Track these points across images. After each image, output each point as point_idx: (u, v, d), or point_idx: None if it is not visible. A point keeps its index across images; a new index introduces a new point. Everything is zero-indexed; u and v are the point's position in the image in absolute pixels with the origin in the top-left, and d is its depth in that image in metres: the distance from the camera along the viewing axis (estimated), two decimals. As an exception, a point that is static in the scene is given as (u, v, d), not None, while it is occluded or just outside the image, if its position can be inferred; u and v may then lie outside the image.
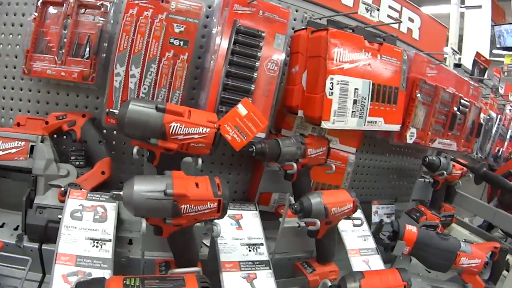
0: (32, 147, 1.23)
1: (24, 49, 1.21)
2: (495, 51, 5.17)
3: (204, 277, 0.80)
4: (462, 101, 1.82)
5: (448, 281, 1.76)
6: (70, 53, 1.23)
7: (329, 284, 1.01)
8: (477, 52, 2.35)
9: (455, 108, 1.77)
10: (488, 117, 2.35)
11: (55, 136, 1.32)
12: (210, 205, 0.92)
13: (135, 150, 1.09)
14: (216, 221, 0.96)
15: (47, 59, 1.23)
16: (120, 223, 1.27)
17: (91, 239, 1.06)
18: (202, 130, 1.08)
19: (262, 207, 1.43)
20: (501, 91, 2.64)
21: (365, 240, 1.43)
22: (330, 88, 1.20)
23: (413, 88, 1.57)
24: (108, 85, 1.22)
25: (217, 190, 0.93)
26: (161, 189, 0.88)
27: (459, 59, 2.36)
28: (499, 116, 2.61)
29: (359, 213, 1.33)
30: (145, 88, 1.24)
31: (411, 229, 1.49)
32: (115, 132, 1.36)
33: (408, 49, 1.64)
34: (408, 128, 1.57)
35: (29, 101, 1.32)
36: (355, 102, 1.26)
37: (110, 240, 1.07)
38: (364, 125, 1.30)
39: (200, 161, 1.12)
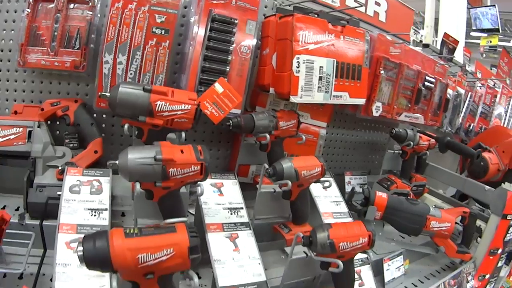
0: (30, 132, 1.38)
1: (18, 43, 1.35)
2: (473, 34, 5.44)
3: (192, 226, 0.95)
4: (427, 77, 2.04)
5: (422, 246, 1.95)
6: (62, 44, 1.39)
7: (301, 235, 1.20)
8: (445, 33, 2.57)
9: (420, 84, 1.99)
10: (456, 94, 2.57)
11: (49, 122, 1.47)
12: (193, 168, 1.09)
13: (126, 126, 1.24)
14: (199, 182, 1.14)
15: (41, 51, 1.38)
16: (112, 198, 1.45)
17: (89, 209, 1.20)
18: (184, 107, 1.24)
19: (241, 178, 1.60)
20: (472, 69, 2.88)
21: (337, 205, 1.62)
22: (296, 67, 1.39)
23: (377, 65, 1.77)
24: (98, 72, 1.38)
25: (200, 155, 1.10)
26: (152, 155, 1.03)
27: (422, 38, 2.58)
28: (469, 93, 2.84)
29: (328, 178, 1.49)
30: (131, 74, 1.41)
31: (381, 195, 1.65)
32: (104, 115, 1.53)
33: (375, 31, 1.84)
34: (373, 102, 1.78)
35: (24, 91, 1.47)
36: (320, 78, 1.46)
37: (106, 209, 1.22)
38: (330, 99, 1.50)
39: (183, 134, 1.30)
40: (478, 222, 2.05)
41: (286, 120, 1.49)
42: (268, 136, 1.40)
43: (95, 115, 1.50)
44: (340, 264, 1.13)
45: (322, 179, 1.39)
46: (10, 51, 1.43)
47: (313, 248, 1.16)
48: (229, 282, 1.16)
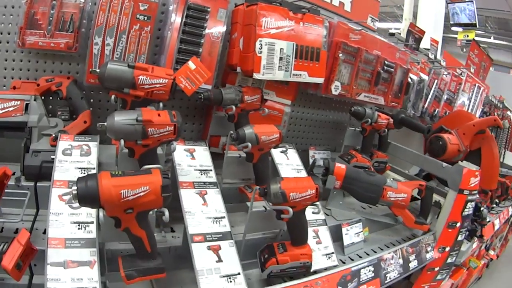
0: (26, 105, 1.59)
1: (18, 26, 1.58)
2: (454, 28, 5.75)
3: (166, 171, 1.17)
4: (386, 62, 2.32)
5: (382, 216, 2.19)
6: (57, 28, 1.60)
7: (258, 187, 1.42)
8: (411, 23, 2.88)
9: (380, 68, 2.27)
10: (419, 79, 2.86)
11: (43, 97, 1.68)
12: (168, 129, 1.34)
13: (112, 97, 1.46)
14: (173, 142, 1.41)
15: (38, 34, 1.59)
16: (99, 165, 1.70)
17: (79, 168, 1.41)
18: (162, 81, 1.49)
19: (213, 149, 1.87)
20: (439, 57, 3.18)
21: (298, 172, 1.87)
22: (259, 48, 1.67)
23: (336, 49, 2.05)
24: (88, 52, 1.63)
25: (173, 118, 1.36)
26: (134, 117, 1.27)
27: (401, 30, 2.87)
28: (435, 80, 3.14)
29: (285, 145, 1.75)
30: (117, 54, 1.67)
31: (340, 165, 1.87)
32: (92, 91, 1.78)
33: (337, 19, 2.12)
34: (332, 82, 2.07)
35: (21, 70, 1.69)
36: (281, 59, 1.74)
37: (94, 168, 1.44)
38: (290, 77, 1.79)
39: (161, 105, 1.55)
40: (438, 198, 2.30)
41: (251, 95, 1.76)
42: (234, 107, 1.68)
43: (84, 92, 1.74)
44: (290, 210, 1.35)
45: (280, 145, 1.65)
46: (9, 33, 1.63)
47: (267, 199, 1.38)
48: (198, 231, 1.39)
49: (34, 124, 1.60)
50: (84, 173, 1.44)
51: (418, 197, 2.15)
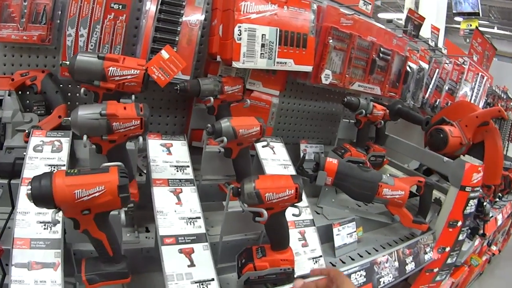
0: (0, 100, 1.49)
1: None
2: (457, 18, 5.42)
3: (124, 169, 1.01)
4: (382, 49, 2.10)
5: (377, 214, 1.96)
6: (30, 20, 1.47)
7: (231, 186, 1.22)
8: (409, 9, 2.63)
9: (375, 55, 2.05)
10: (419, 68, 2.62)
11: (20, 92, 1.57)
12: (134, 123, 1.18)
13: (82, 90, 1.33)
14: (140, 137, 1.24)
15: (11, 27, 1.47)
16: (76, 161, 1.56)
17: (49, 165, 1.29)
18: (134, 71, 1.34)
19: (195, 143, 1.70)
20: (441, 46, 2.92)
21: (285, 168, 1.66)
22: (238, 34, 1.48)
23: (326, 35, 1.83)
24: (62, 44, 1.49)
25: (140, 111, 1.19)
26: (98, 111, 1.13)
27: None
28: (436, 69, 2.89)
29: (267, 138, 1.50)
30: (92, 45, 1.52)
31: (332, 160, 1.63)
32: (70, 85, 1.63)
33: (325, 3, 1.88)
34: (322, 70, 1.84)
35: None
36: (263, 45, 1.54)
37: (64, 165, 1.31)
38: (274, 65, 1.59)
39: (133, 97, 1.39)
40: (438, 195, 2.06)
41: (231, 85, 1.56)
42: (212, 99, 1.49)
43: (61, 85, 1.60)
44: (265, 213, 1.15)
45: (261, 139, 1.45)
46: None
47: (241, 199, 1.19)
48: (170, 232, 1.22)
49: (8, 120, 1.50)
50: (54, 170, 1.29)
51: (417, 193, 1.91)
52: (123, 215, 1.02)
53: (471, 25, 4.95)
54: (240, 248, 1.37)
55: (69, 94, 1.64)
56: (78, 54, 1.30)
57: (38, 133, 1.41)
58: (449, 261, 2.05)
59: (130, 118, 1.19)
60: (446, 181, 2.33)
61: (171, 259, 1.18)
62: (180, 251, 1.21)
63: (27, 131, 1.47)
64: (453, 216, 1.91)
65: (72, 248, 1.19)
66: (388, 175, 1.80)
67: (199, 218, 1.32)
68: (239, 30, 1.48)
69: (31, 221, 1.13)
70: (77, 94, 1.65)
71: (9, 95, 1.52)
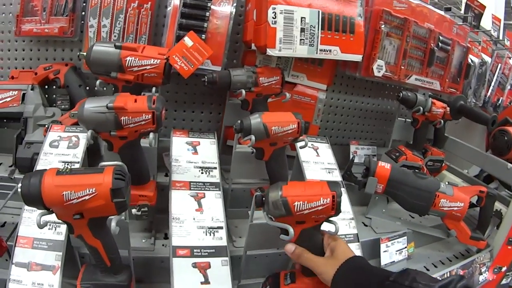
0: (23, 94, 1.36)
1: (14, 15, 1.36)
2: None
3: (122, 169, 0.82)
4: (441, 38, 1.71)
5: (432, 228, 1.63)
6: (52, 13, 1.37)
7: (256, 194, 0.94)
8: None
9: (433, 45, 1.68)
10: (481, 61, 2.17)
11: (46, 87, 1.45)
12: (145, 117, 0.96)
13: (98, 82, 1.16)
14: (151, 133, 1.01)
15: (34, 20, 1.37)
16: (100, 158, 1.37)
17: (63, 161, 1.15)
18: (154, 61, 1.13)
19: (230, 142, 1.44)
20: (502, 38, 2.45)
21: (329, 172, 1.37)
22: (273, 17, 1.19)
23: (377, 19, 1.49)
24: (84, 36, 1.33)
25: (152, 104, 0.97)
26: (105, 104, 0.94)
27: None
28: (499, 65, 2.41)
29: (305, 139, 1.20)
30: (115, 36, 1.34)
31: (384, 165, 1.36)
32: (95, 79, 1.45)
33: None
34: (374, 60, 1.50)
35: (23, 59, 1.45)
36: (302, 30, 1.24)
37: (78, 162, 1.15)
38: (317, 53, 1.27)
39: (153, 90, 1.18)
40: (499, 206, 1.68)
41: (268, 76, 1.28)
42: (244, 91, 1.21)
43: (88, 78, 1.45)
44: (290, 230, 0.89)
45: (299, 138, 1.16)
46: (10, 22, 1.41)
47: (266, 209, 0.92)
48: (185, 242, 1.02)
49: (29, 114, 1.36)
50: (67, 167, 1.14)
51: (477, 205, 1.54)
52: (113, 223, 0.82)
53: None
54: (270, 264, 1.13)
55: (95, 88, 1.46)
56: (95, 44, 1.14)
57: (57, 128, 1.27)
58: (503, 282, 1.64)
59: (140, 112, 0.98)
60: (507, 190, 1.99)
61: (183, 274, 0.97)
62: (194, 265, 1.00)
63: (46, 125, 1.31)
64: (515, 232, 1.51)
65: (80, 251, 1.06)
66: (447, 183, 1.48)
67: (221, 228, 1.07)
68: (273, 12, 1.19)
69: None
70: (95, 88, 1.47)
71: (32, 89, 1.39)
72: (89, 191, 0.76)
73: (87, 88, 1.45)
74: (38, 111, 1.37)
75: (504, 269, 1.58)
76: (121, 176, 0.79)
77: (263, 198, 0.91)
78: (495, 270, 1.57)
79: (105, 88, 1.18)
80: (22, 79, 1.41)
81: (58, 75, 1.40)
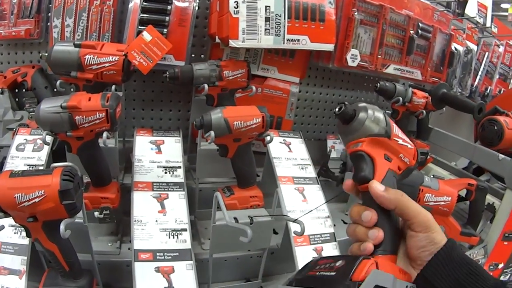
0: None
1: None
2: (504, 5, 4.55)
3: (71, 170, 0.75)
4: (421, 25, 1.59)
5: None
6: (19, 16, 1.32)
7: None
8: (453, -15, 2.06)
9: (412, 32, 1.56)
10: (466, 49, 2.03)
11: (16, 90, 1.39)
12: (99, 115, 0.89)
13: (58, 83, 1.11)
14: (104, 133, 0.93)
15: (3, 24, 1.33)
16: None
17: (29, 165, 1.10)
18: (112, 58, 1.07)
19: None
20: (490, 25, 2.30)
21: (302, 168, 1.26)
22: (234, 7, 1.09)
23: (350, 6, 1.38)
24: (49, 37, 1.27)
25: (105, 102, 0.90)
26: (59, 104, 0.88)
27: None
28: (486, 53, 2.27)
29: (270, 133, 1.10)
30: (78, 35, 1.28)
31: None
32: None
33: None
34: (348, 49, 1.39)
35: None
36: (267, 19, 1.14)
37: (42, 165, 1.10)
38: (284, 43, 1.17)
39: (113, 88, 1.11)
40: (492, 199, 1.55)
41: (232, 70, 1.18)
42: (206, 86, 1.12)
43: (54, 80, 1.35)
44: (248, 232, 0.87)
45: (264, 133, 1.06)
46: None
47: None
48: (147, 246, 0.94)
49: None
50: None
51: (466, 198, 1.39)
52: (62, 226, 0.75)
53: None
54: (241, 266, 1.08)
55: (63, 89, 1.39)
56: (56, 44, 1.09)
57: (23, 131, 1.20)
58: (501, 279, 1.48)
59: (94, 111, 0.91)
60: (501, 182, 1.80)
61: (145, 279, 0.90)
62: (157, 269, 0.92)
63: (14, 129, 1.25)
64: (510, 226, 1.40)
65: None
66: (432, 176, 1.36)
67: (185, 230, 0.99)
68: (235, 1, 1.10)
69: (5, 224, 0.93)
70: (72, 89, 1.38)
71: (1, 93, 1.34)
72: (38, 193, 0.72)
73: (55, 90, 1.38)
74: (7, 115, 1.32)
75: (501, 266, 1.46)
76: (69, 177, 0.74)
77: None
78: (491, 267, 1.44)
79: (72, 89, 1.12)
80: (-9, 83, 1.34)
81: (26, 78, 1.35)
